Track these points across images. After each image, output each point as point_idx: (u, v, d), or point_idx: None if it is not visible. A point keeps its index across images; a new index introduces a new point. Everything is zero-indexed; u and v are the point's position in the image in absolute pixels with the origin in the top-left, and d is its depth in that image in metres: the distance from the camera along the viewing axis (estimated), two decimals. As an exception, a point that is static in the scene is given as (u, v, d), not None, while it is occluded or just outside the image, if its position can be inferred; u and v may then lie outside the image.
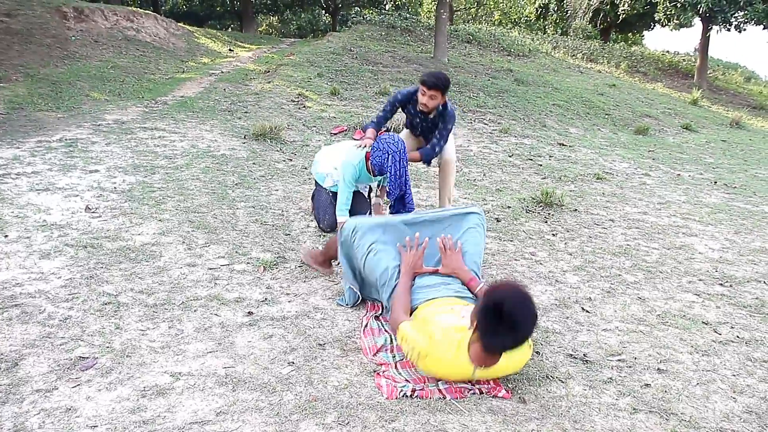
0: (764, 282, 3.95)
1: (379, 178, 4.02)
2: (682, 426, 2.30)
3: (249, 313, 2.88)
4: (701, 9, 17.00)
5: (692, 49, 23.95)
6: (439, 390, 2.36)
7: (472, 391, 2.39)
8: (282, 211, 4.43)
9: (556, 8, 24.16)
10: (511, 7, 24.55)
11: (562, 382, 2.54)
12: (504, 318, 2.11)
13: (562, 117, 10.78)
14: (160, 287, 3.02)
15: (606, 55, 19.65)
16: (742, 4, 16.40)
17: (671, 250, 4.48)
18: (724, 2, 16.59)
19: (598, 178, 6.91)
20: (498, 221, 4.83)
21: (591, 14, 23.18)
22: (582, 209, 5.46)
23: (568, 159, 7.91)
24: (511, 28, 23.88)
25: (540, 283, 3.66)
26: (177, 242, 3.58)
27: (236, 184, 4.84)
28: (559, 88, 12.86)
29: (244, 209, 4.33)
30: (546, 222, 4.95)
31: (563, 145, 8.85)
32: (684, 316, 3.33)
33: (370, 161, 3.74)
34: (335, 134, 7.12)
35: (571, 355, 2.78)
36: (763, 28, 16.47)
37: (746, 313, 3.43)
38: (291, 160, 5.84)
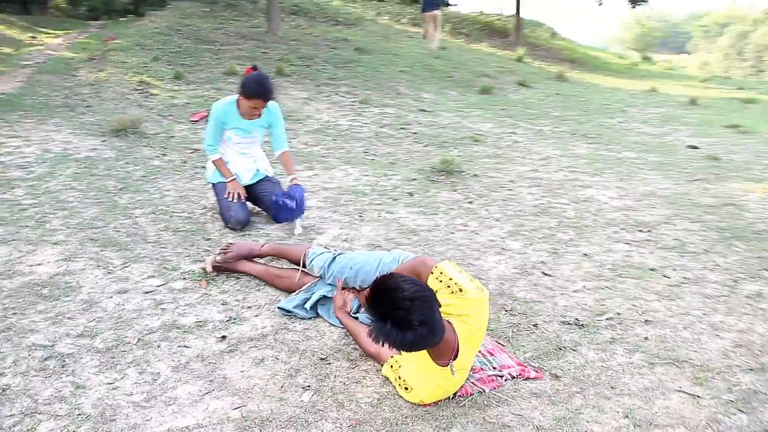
0: (671, 223, 4.39)
1: (255, 124, 3.92)
2: (698, 371, 2.48)
3: (222, 337, 2.56)
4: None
5: (498, 9, 25.64)
6: (473, 383, 2.29)
7: (504, 378, 2.35)
8: (186, 213, 3.99)
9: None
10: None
11: (574, 351, 2.61)
12: (376, 318, 1.97)
13: (411, 83, 11.01)
14: (101, 325, 2.56)
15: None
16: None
17: (580, 204, 4.80)
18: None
19: (474, 141, 7.17)
20: (412, 196, 4.80)
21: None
22: (480, 173, 5.63)
23: (436, 124, 8.10)
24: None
25: (489, 254, 3.71)
26: (90, 267, 3.06)
27: (120, 189, 4.26)
28: (399, 54, 13.11)
29: (145, 216, 3.84)
30: (456, 191, 5.03)
31: (425, 110, 9.05)
32: (631, 265, 3.58)
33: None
34: (195, 121, 6.59)
35: (564, 322, 2.86)
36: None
37: (677, 255, 3.78)
38: (165, 155, 5.29)
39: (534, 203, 4.78)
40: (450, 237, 3.96)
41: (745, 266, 3.61)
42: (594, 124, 9.08)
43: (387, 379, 2.31)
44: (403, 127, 7.74)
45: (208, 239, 3.63)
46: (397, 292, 1.93)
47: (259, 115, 3.87)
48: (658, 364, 2.52)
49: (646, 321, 2.89)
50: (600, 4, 20.39)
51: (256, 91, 3.67)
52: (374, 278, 2.64)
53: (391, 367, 2.29)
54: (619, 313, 2.96)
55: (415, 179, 5.27)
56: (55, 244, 3.27)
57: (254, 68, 3.82)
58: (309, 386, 2.25)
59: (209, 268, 3.10)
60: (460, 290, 2.14)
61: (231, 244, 3.18)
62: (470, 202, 4.73)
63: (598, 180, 5.62)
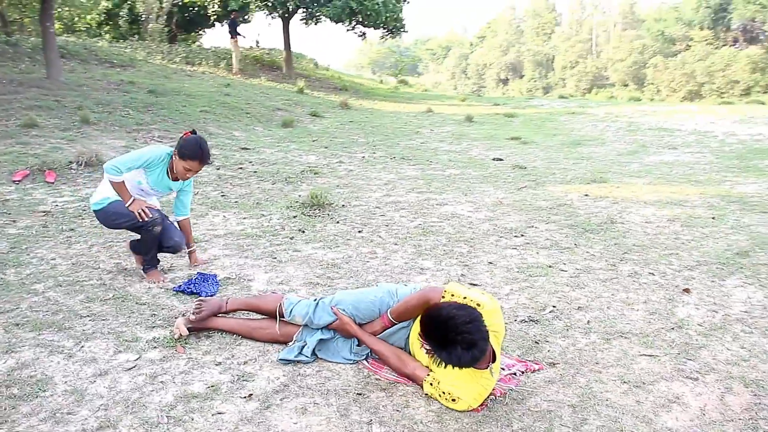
0: (533, 226, 5.17)
1: (175, 185, 3.84)
2: (641, 338, 3.11)
3: (249, 395, 2.53)
4: (291, 7, 19.21)
5: (254, 42, 26.11)
6: (499, 384, 2.62)
7: (517, 375, 2.72)
8: (95, 281, 3.67)
9: (127, 12, 23.33)
10: (78, 15, 22.50)
11: (547, 342, 3.08)
12: (442, 347, 2.32)
13: (217, 122, 10.90)
14: (112, 413, 2.35)
15: (199, 56, 20.10)
16: (323, 1, 19.13)
17: (450, 220, 5.38)
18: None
19: (315, 174, 7.46)
20: (303, 232, 4.94)
21: (165, 16, 23.25)
22: (345, 203, 5.94)
23: (266, 161, 8.21)
24: (95, 37, 22.08)
25: (412, 274, 4.05)
26: (44, 354, 2.73)
27: None
28: (192, 94, 12.82)
29: (53, 290, 3.46)
30: (338, 222, 5.28)
31: (246, 149, 9.08)
32: (531, 266, 4.20)
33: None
34: (18, 181, 5.90)
35: (522, 321, 3.32)
36: (336, 22, 19.45)
37: (557, 252, 4.51)
38: (15, 221, 4.69)
39: (413, 225, 5.23)
40: (368, 266, 4.22)
41: (610, 253, 4.46)
42: (402, 147, 9.93)
43: (430, 396, 2.53)
44: (238, 167, 7.71)
45: (142, 304, 3.42)
46: (456, 319, 2.27)
47: (188, 178, 3.78)
48: (611, 339, 3.10)
49: (578, 308, 3.49)
50: (362, 36, 21.91)
51: (194, 152, 3.57)
52: (377, 314, 2.84)
53: (431, 384, 2.52)
54: (554, 306, 3.52)
55: (295, 216, 5.39)
56: (-17, 338, 2.86)
57: (193, 132, 3.70)
58: (370, 420, 2.38)
59: (184, 332, 2.98)
60: (478, 305, 2.47)
61: (202, 301, 3.09)
62: (360, 231, 5.02)
63: (447, 197, 6.29)
